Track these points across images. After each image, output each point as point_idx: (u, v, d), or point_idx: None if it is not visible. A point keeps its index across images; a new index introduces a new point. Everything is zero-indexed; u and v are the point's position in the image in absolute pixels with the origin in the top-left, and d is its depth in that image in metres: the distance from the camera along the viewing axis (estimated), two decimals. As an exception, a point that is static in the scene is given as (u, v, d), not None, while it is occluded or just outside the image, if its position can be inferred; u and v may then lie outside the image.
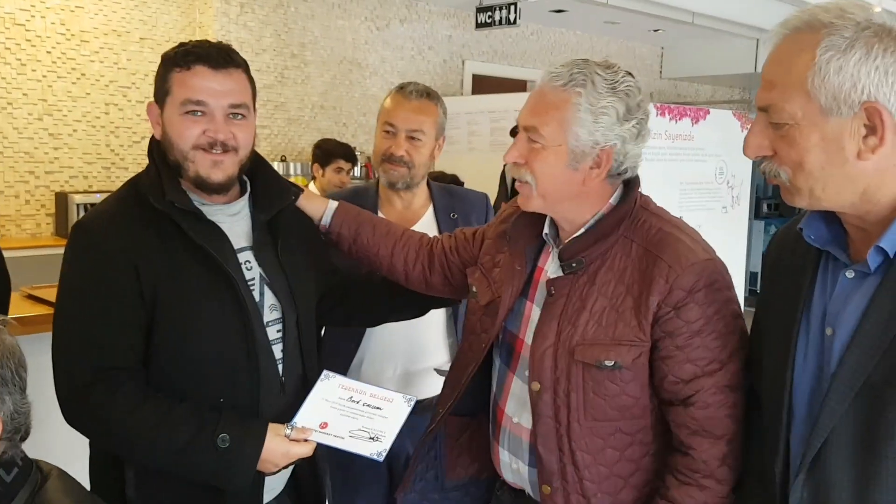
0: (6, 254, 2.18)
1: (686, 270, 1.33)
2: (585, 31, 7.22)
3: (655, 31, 7.09)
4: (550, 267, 1.46)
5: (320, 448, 1.53)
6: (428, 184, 2.18)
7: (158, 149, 1.49)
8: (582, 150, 1.36)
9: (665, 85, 8.26)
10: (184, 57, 1.42)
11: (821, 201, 1.08)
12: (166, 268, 1.39)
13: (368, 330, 2.06)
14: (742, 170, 6.82)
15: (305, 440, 1.48)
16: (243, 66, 1.48)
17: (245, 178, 1.56)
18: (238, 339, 1.43)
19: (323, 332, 2.07)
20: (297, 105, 5.29)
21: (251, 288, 1.48)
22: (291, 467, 1.54)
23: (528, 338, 1.45)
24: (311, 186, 4.21)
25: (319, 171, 4.15)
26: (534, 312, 1.46)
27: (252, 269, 1.50)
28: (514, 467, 1.49)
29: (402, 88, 2.09)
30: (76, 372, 1.38)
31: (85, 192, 4.68)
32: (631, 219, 1.41)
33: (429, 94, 2.08)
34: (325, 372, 1.56)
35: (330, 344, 2.10)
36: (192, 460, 1.38)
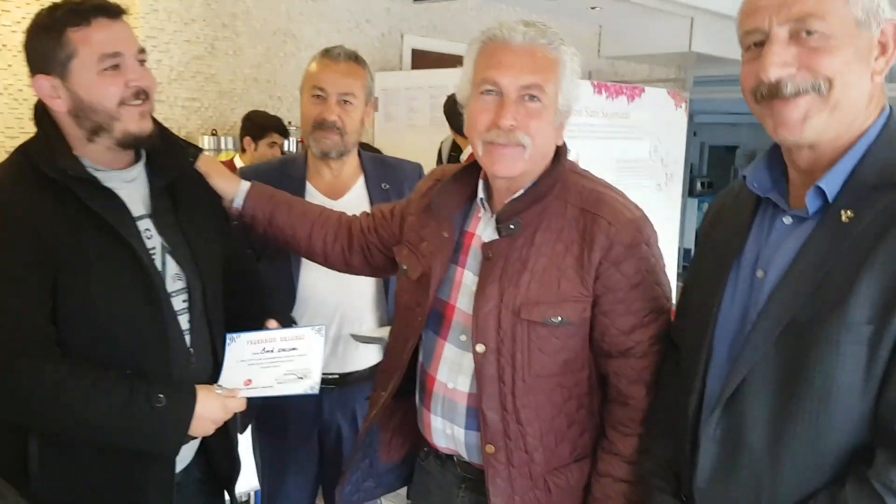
0: None
1: (625, 226, 1.39)
2: (525, 8, 7.21)
3: (593, 8, 7.12)
4: (484, 231, 1.46)
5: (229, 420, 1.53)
6: (359, 153, 2.14)
7: (47, 116, 1.41)
8: (563, 111, 1.41)
9: (603, 64, 8.32)
10: (77, 14, 1.33)
11: (831, 126, 1.08)
12: (66, 234, 1.34)
13: (298, 305, 2.02)
14: (675, 148, 6.94)
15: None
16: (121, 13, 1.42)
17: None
18: (144, 307, 1.40)
19: None
20: (229, 77, 5.15)
21: (153, 257, 1.43)
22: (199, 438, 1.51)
23: (460, 302, 1.47)
24: (238, 160, 4.10)
25: (251, 144, 4.05)
26: (465, 277, 1.48)
27: (152, 238, 1.46)
28: (447, 433, 1.51)
29: (327, 52, 2.03)
30: None
31: (5, 166, 4.50)
32: (563, 180, 1.44)
33: (356, 58, 2.04)
34: (227, 335, 1.55)
35: None
36: (128, 423, 1.35)
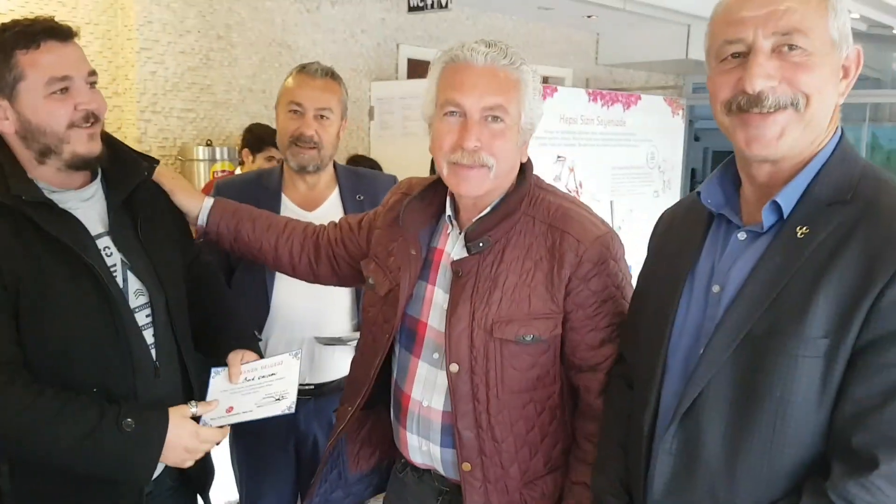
0: None
1: (593, 244, 1.40)
2: (521, 17, 7.24)
3: (589, 17, 7.14)
4: (454, 248, 1.47)
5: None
6: (334, 165, 2.17)
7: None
8: (526, 129, 1.42)
9: (601, 71, 8.34)
10: (26, 36, 1.33)
11: (799, 142, 1.09)
12: (25, 263, 1.33)
13: (272, 313, 2.04)
14: (673, 155, 6.96)
15: (220, 427, 1.51)
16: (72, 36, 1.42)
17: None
18: (105, 328, 1.40)
19: None
20: (224, 88, 5.19)
21: (114, 275, 1.43)
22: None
23: (432, 320, 1.48)
24: (238, 172, 4.14)
25: (249, 156, 4.07)
26: (436, 294, 1.49)
27: (112, 255, 1.46)
28: (423, 449, 1.52)
29: (304, 68, 2.06)
30: None
31: (1, 177, 4.53)
32: (529, 197, 1.44)
33: (332, 74, 2.08)
34: (212, 370, 1.57)
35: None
36: (96, 448, 1.34)
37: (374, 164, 4.35)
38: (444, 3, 5.31)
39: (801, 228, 1.07)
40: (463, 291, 1.42)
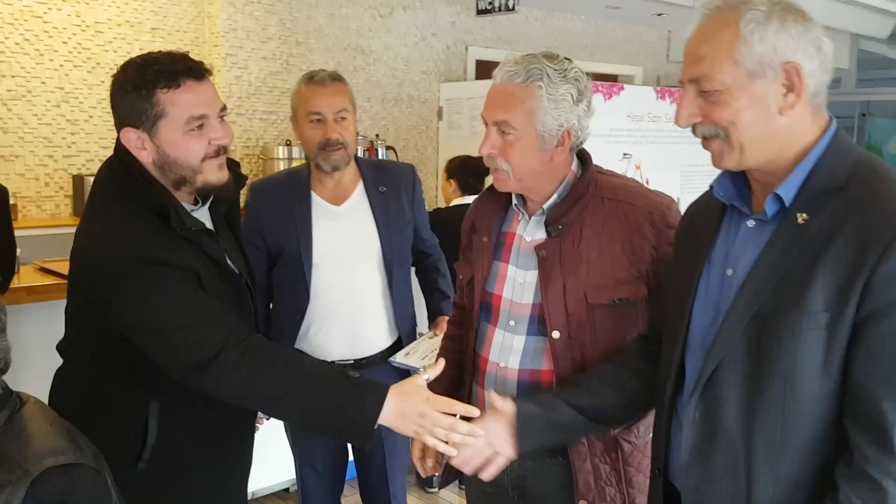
0: (28, 233, 2.44)
1: (665, 211, 1.61)
2: (590, 17, 7.32)
3: (659, 15, 7.17)
4: (526, 232, 1.68)
5: None
6: (356, 160, 2.35)
7: (144, 172, 1.53)
8: (549, 134, 1.59)
9: (672, 69, 8.33)
10: (168, 76, 1.45)
11: (747, 158, 1.23)
12: (194, 269, 1.56)
13: (312, 297, 2.26)
14: (744, 152, 6.91)
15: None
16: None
17: None
18: (239, 312, 1.69)
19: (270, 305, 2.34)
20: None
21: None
22: None
23: (506, 293, 1.71)
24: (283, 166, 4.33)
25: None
26: (509, 271, 1.71)
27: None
28: None
29: (311, 78, 2.23)
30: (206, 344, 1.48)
31: (100, 175, 4.91)
32: (594, 182, 1.66)
33: (338, 77, 2.26)
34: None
35: (279, 311, 2.34)
36: (329, 397, 1.48)
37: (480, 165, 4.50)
38: (511, 6, 5.46)
39: (801, 215, 1.17)
40: (552, 269, 1.61)
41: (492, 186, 1.75)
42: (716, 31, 1.20)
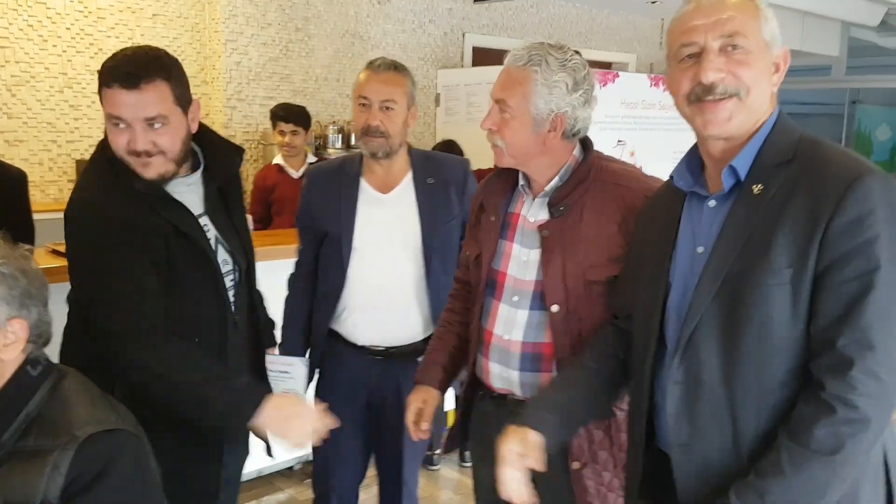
0: (33, 217, 2.53)
1: None
2: (585, 4, 7.39)
3: (653, 2, 7.23)
4: (530, 212, 1.79)
5: None
6: (409, 150, 2.38)
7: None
8: (541, 117, 1.69)
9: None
10: (105, 76, 1.60)
11: (746, 123, 1.33)
12: (154, 236, 1.66)
13: (349, 282, 2.31)
14: (736, 139, 7.01)
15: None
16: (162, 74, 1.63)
17: (196, 148, 1.81)
18: (209, 290, 1.76)
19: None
20: (302, 77, 5.53)
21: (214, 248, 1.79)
22: None
23: (511, 270, 1.81)
24: (278, 159, 4.31)
25: (276, 133, 4.27)
26: (514, 249, 1.81)
27: (209, 231, 1.79)
28: (503, 376, 1.82)
29: (371, 63, 2.29)
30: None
31: (103, 160, 4.97)
32: (595, 166, 1.76)
33: (396, 67, 2.28)
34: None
35: (319, 293, 2.38)
36: (212, 396, 1.63)
37: (451, 145, 4.54)
38: (508, -6, 5.53)
39: (756, 186, 1.30)
40: (554, 247, 1.72)
41: (498, 169, 1.84)
42: (738, 1, 1.32)
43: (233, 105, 5.20)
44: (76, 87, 4.95)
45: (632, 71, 7.82)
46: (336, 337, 2.36)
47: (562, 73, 1.67)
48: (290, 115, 4.24)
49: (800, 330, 1.26)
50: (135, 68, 1.58)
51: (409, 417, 1.96)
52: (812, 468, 1.21)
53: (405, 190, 2.34)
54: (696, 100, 1.33)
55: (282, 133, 4.18)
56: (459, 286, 2.06)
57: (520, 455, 1.50)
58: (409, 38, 6.17)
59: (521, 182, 1.81)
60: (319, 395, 2.44)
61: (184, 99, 1.67)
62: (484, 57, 6.58)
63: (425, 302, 2.35)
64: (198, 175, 1.80)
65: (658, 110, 6.13)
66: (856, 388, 1.19)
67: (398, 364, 2.34)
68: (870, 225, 1.20)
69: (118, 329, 1.60)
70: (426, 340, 2.34)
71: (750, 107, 1.32)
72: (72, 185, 4.95)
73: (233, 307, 1.83)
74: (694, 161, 1.43)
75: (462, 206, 2.37)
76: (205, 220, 1.79)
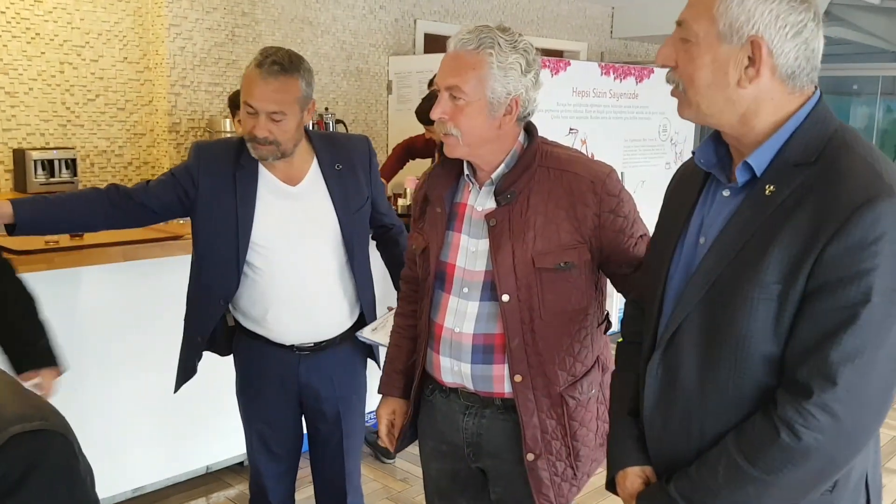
0: None
1: (605, 181, 1.70)
2: (536, -9, 7.38)
3: (603, -9, 7.26)
4: (477, 201, 1.76)
5: None
6: (308, 137, 2.22)
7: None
8: (498, 101, 1.66)
9: (615, 45, 8.46)
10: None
11: (706, 117, 1.26)
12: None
13: (268, 284, 2.20)
14: (686, 127, 7.09)
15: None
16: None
17: None
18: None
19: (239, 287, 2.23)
20: (248, 63, 5.40)
21: None
22: None
23: (459, 261, 1.78)
24: None
25: (236, 121, 4.22)
26: (462, 240, 1.78)
27: None
28: (454, 370, 1.80)
29: (259, 64, 2.05)
30: None
31: (42, 148, 4.79)
32: (540, 152, 1.74)
33: (286, 69, 2.04)
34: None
35: (198, 290, 2.28)
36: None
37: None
38: (459, -20, 5.47)
39: (769, 186, 1.21)
40: (502, 236, 1.69)
41: (442, 160, 1.80)
42: None
43: (177, 91, 5.06)
44: (12, 74, 4.75)
45: (583, 59, 7.85)
46: (258, 338, 2.27)
47: (515, 55, 1.65)
48: None
49: (779, 347, 1.20)
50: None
51: (382, 431, 1.95)
52: (743, 481, 1.20)
53: (314, 179, 2.21)
54: None
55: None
56: (407, 287, 2.01)
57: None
58: (360, 24, 6.08)
59: (466, 171, 1.77)
60: (245, 396, 2.37)
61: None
62: (436, 44, 6.52)
63: (350, 289, 2.29)
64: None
65: (609, 98, 6.17)
66: (805, 419, 1.15)
67: (327, 355, 2.29)
68: (872, 254, 1.10)
69: None
70: (354, 326, 2.34)
71: (697, 104, 1.25)
72: (9, 175, 4.82)
73: None
74: (722, 139, 1.33)
75: (370, 186, 2.29)
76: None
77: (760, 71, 1.20)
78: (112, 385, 3.12)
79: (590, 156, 5.95)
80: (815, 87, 1.26)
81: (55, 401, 1.48)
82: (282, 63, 2.04)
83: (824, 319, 1.14)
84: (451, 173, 1.81)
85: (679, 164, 7.02)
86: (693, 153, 1.37)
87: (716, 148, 1.33)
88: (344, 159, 2.26)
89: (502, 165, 1.72)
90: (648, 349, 1.40)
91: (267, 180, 2.19)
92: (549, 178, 1.70)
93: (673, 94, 1.29)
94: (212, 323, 2.25)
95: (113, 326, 3.09)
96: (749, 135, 1.25)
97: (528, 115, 1.73)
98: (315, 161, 2.23)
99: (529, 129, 1.77)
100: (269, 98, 2.03)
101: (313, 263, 2.23)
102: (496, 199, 1.71)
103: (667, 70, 1.29)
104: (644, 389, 1.39)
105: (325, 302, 2.27)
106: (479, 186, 1.76)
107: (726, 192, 1.30)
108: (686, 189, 1.41)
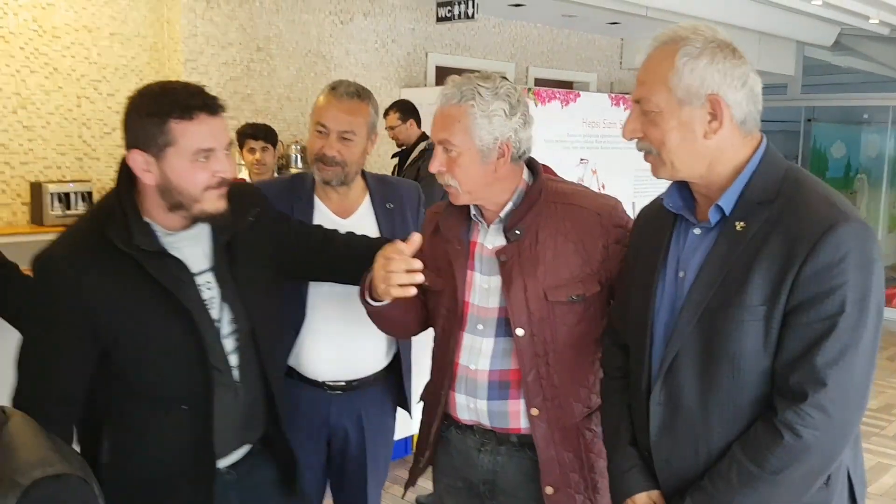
0: None
1: (611, 213, 1.75)
2: (546, 24, 7.46)
3: (613, 24, 7.33)
4: (486, 239, 1.78)
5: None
6: (364, 175, 2.29)
7: (128, 184, 1.59)
8: (487, 147, 1.70)
9: (625, 75, 8.52)
10: (182, 108, 1.51)
11: (679, 172, 1.43)
12: (127, 305, 1.57)
13: (308, 315, 2.18)
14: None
15: None
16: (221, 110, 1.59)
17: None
18: (192, 354, 1.63)
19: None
20: (264, 97, 5.48)
21: (209, 307, 1.67)
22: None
23: (473, 299, 1.79)
24: (243, 172, 4.35)
25: (238, 154, 4.31)
26: (475, 277, 1.79)
27: (212, 289, 1.68)
28: (470, 407, 1.79)
29: (334, 89, 2.16)
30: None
31: (59, 181, 4.87)
32: (545, 188, 1.77)
33: (360, 94, 2.16)
34: None
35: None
36: None
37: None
38: (470, 14, 5.56)
39: (739, 223, 1.37)
40: (512, 272, 1.72)
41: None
42: (657, 61, 1.40)
43: (193, 125, 5.12)
44: (30, 108, 4.84)
45: (593, 90, 7.91)
46: (289, 374, 2.21)
47: (497, 102, 1.68)
48: (259, 132, 4.35)
49: (769, 362, 1.35)
50: (208, 96, 1.57)
51: (379, 266, 1.75)
52: (756, 484, 1.34)
53: (365, 214, 2.26)
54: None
55: (251, 151, 4.23)
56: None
57: None
58: (372, 58, 6.16)
59: (473, 212, 1.80)
60: None
61: None
62: (447, 76, 6.58)
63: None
64: (201, 227, 1.66)
65: (618, 129, 6.17)
66: (803, 420, 1.30)
67: (358, 396, 2.26)
68: (841, 271, 1.28)
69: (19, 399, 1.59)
70: (389, 367, 2.31)
71: (672, 162, 1.41)
72: (26, 209, 4.89)
73: (235, 371, 1.71)
74: (685, 185, 1.49)
75: (417, 229, 2.25)
76: (208, 277, 1.68)
77: (723, 122, 1.37)
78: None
79: (600, 185, 5.98)
80: (761, 136, 1.44)
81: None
82: (356, 90, 2.16)
83: (808, 331, 1.31)
84: (461, 213, 1.84)
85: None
86: (661, 198, 1.53)
87: (680, 192, 1.49)
88: (395, 199, 2.31)
89: (510, 204, 1.76)
90: (646, 379, 1.50)
91: (321, 211, 2.23)
92: (556, 213, 1.73)
93: (647, 159, 1.45)
94: (286, 357, 2.21)
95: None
96: (715, 181, 1.41)
97: (524, 153, 1.75)
98: (368, 197, 2.28)
99: (533, 167, 1.81)
100: (341, 117, 2.11)
101: (355, 296, 2.23)
102: (505, 236, 1.75)
103: (635, 141, 1.46)
104: (647, 417, 1.48)
105: (363, 338, 2.21)
106: (487, 225, 1.79)
107: (697, 231, 1.45)
108: (654, 231, 1.55)
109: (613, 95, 6.13)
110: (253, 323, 1.74)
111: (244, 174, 4.31)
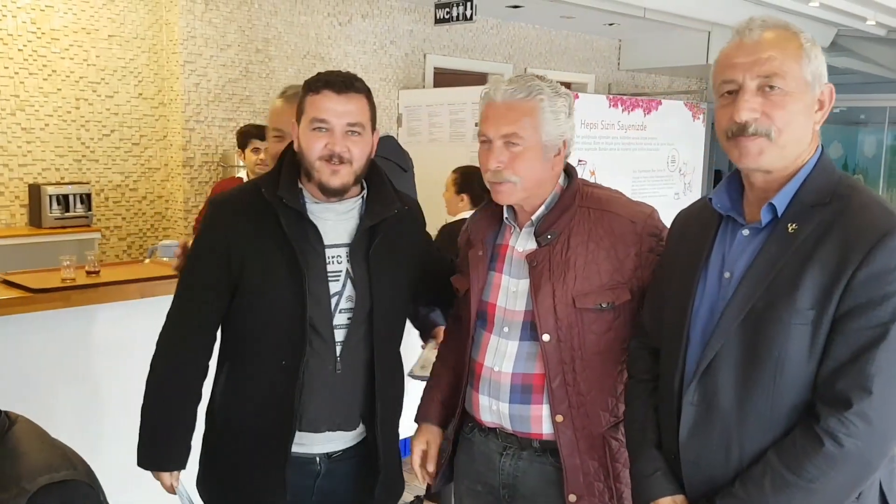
0: None
1: (646, 222, 1.73)
2: (544, 26, 7.47)
3: (610, 24, 7.35)
4: (518, 243, 1.79)
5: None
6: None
7: (291, 153, 1.81)
8: (552, 143, 1.70)
9: (623, 76, 8.54)
10: (314, 84, 1.73)
11: (785, 159, 1.37)
12: (257, 253, 1.75)
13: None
14: (694, 157, 7.13)
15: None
16: (364, 92, 1.75)
17: (364, 183, 1.83)
18: (296, 317, 1.74)
19: None
20: (262, 98, 5.48)
21: (334, 279, 1.78)
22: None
23: (500, 301, 1.79)
24: (242, 172, 4.34)
25: (241, 154, 4.31)
26: (503, 280, 1.79)
27: (341, 263, 1.78)
28: (493, 409, 1.79)
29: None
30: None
31: (57, 183, 4.86)
32: (580, 192, 1.77)
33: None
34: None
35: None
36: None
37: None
38: (468, 16, 5.56)
39: (791, 225, 1.34)
40: (542, 276, 1.70)
41: (486, 203, 1.83)
42: (784, 41, 1.35)
43: (191, 127, 5.12)
44: (29, 110, 4.83)
45: (591, 91, 7.92)
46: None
47: (560, 100, 1.70)
48: (264, 132, 4.28)
49: (813, 368, 1.31)
50: (345, 78, 1.74)
51: (415, 461, 1.92)
52: (790, 491, 1.30)
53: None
54: (731, 136, 1.38)
55: (255, 150, 4.23)
56: (452, 321, 2.03)
57: None
58: (371, 60, 6.17)
59: (507, 215, 1.80)
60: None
61: (374, 121, 1.80)
62: (445, 78, 6.60)
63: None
64: (352, 204, 1.81)
65: (617, 130, 6.22)
66: (846, 428, 1.25)
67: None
68: (895, 279, 1.25)
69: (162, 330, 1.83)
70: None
71: (783, 146, 1.36)
72: (24, 210, 4.88)
73: (338, 347, 1.78)
74: (734, 185, 1.47)
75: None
76: (341, 252, 1.78)
77: (826, 114, 1.36)
78: (131, 424, 3.11)
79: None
80: (819, 143, 1.42)
81: (72, 439, 1.49)
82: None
83: (858, 337, 1.26)
84: (492, 217, 1.85)
85: (688, 194, 7.05)
86: (709, 199, 1.49)
87: (729, 193, 1.46)
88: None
89: (542, 207, 1.75)
90: (679, 379, 1.46)
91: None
92: (589, 219, 1.72)
93: (753, 144, 1.36)
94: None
95: (130, 363, 3.09)
96: (784, 176, 1.38)
97: (569, 155, 1.77)
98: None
99: (569, 171, 1.81)
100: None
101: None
102: (536, 240, 1.73)
103: (740, 122, 1.37)
104: (677, 418, 1.45)
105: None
106: (519, 228, 1.79)
107: (746, 232, 1.41)
108: (696, 232, 1.52)
109: (611, 96, 6.13)
110: (372, 307, 1.81)
111: (244, 174, 4.30)
